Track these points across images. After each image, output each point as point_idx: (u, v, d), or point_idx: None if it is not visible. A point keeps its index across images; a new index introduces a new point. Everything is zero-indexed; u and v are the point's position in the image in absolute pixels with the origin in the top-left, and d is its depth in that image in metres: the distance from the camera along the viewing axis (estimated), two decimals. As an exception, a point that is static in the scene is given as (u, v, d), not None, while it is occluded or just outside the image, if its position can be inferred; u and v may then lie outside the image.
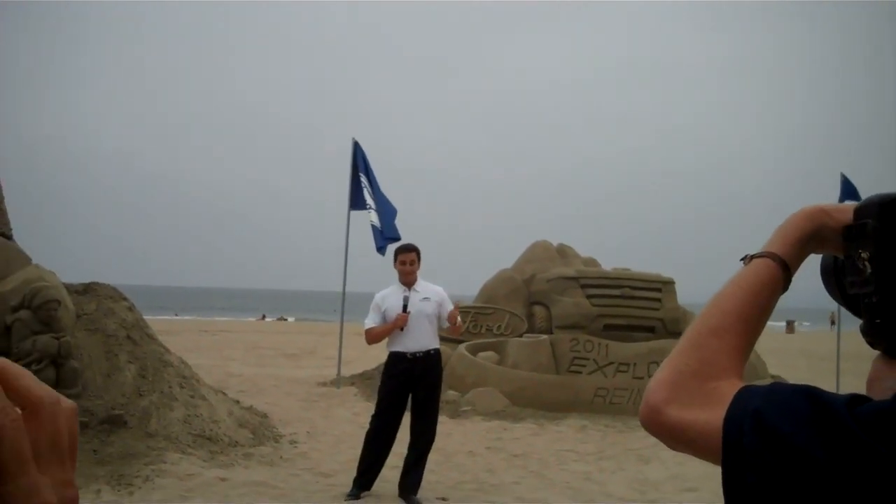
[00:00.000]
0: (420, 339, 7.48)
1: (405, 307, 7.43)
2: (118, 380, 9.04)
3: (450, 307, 7.71)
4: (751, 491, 0.91)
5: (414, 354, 7.45)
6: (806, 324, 60.84)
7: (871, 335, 1.09)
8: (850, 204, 1.13)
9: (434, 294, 7.66)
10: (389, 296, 7.66)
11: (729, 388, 1.01)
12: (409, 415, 7.68)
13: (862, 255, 1.07)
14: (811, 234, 1.16)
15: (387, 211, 15.20)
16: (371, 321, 7.59)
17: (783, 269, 1.15)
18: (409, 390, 7.54)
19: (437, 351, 7.64)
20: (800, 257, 1.17)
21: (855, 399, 0.93)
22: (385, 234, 14.79)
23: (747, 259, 1.17)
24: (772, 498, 0.90)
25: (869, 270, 1.06)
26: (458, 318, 7.69)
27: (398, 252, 7.82)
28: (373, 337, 7.63)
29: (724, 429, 0.96)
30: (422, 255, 7.74)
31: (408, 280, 7.65)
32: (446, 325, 7.66)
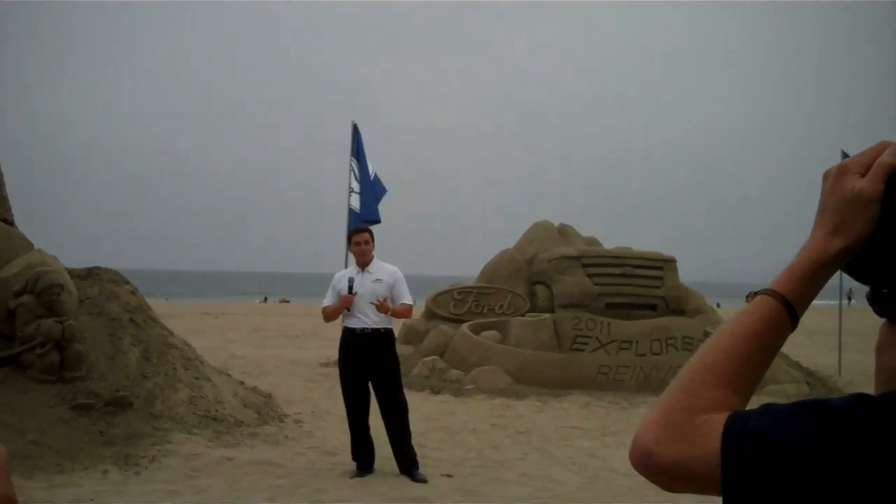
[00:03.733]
0: (367, 318, 7.67)
1: (350, 288, 7.64)
2: (122, 362, 9.07)
3: (403, 287, 7.86)
4: None
5: (363, 331, 7.67)
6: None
7: (879, 304, 1.07)
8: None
9: (387, 275, 7.84)
10: (344, 276, 7.91)
11: (720, 419, 0.98)
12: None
13: None
14: (823, 264, 1.07)
15: (373, 192, 15.10)
16: (327, 300, 7.93)
17: (786, 307, 1.06)
18: (364, 365, 7.70)
19: (387, 330, 7.84)
20: (810, 290, 1.08)
21: (861, 396, 0.92)
22: (362, 217, 14.72)
23: (750, 296, 1.10)
24: None
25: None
26: (387, 305, 7.67)
27: (351, 234, 8.17)
28: (326, 315, 7.96)
29: (723, 457, 0.93)
30: (379, 237, 7.94)
31: (362, 260, 7.85)
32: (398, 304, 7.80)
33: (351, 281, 7.67)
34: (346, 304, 7.64)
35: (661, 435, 1.01)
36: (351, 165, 15.34)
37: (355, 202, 14.92)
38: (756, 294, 1.09)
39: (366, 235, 7.95)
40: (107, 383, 8.63)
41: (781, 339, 1.07)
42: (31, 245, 9.61)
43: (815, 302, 1.13)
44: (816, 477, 0.87)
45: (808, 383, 13.78)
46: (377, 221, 14.69)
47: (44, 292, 8.59)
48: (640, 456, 1.02)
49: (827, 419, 0.90)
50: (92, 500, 6.49)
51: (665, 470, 1.01)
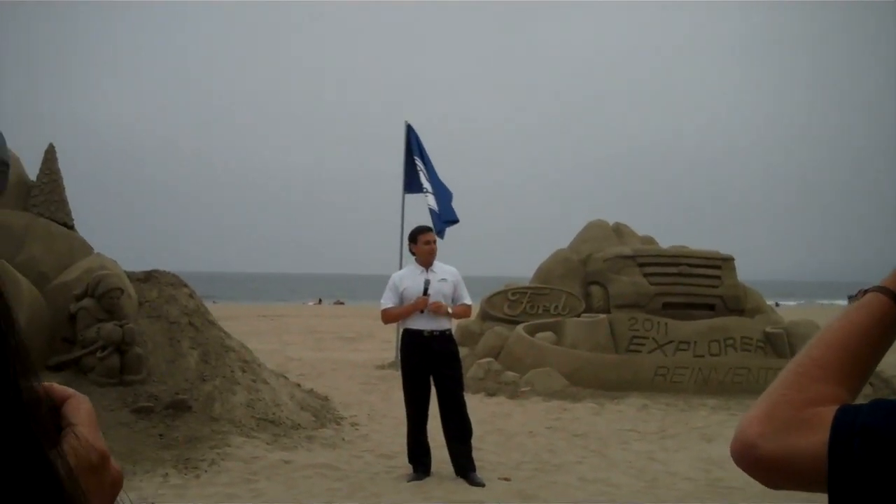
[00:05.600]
0: (437, 319, 7.59)
1: (426, 290, 7.52)
2: (181, 365, 9.17)
3: (463, 287, 7.81)
4: None
5: (431, 333, 7.57)
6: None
7: None
8: None
9: (450, 275, 7.78)
10: (407, 277, 7.77)
11: (828, 412, 0.96)
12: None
13: None
14: None
15: (443, 194, 15.14)
16: (388, 301, 7.73)
17: None
18: (430, 368, 7.61)
19: (450, 332, 7.77)
20: None
21: None
22: (443, 218, 14.73)
23: (860, 293, 1.11)
24: None
25: None
26: (446, 308, 7.65)
27: (418, 233, 7.90)
28: (390, 317, 7.79)
29: (830, 450, 0.92)
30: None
31: (429, 260, 7.75)
32: (459, 304, 7.75)
33: (427, 283, 7.56)
34: (421, 305, 7.49)
35: (766, 428, 1.00)
36: (417, 165, 15.36)
37: (432, 202, 14.93)
38: (866, 291, 1.09)
39: (433, 235, 7.92)
40: (166, 386, 8.73)
41: (892, 335, 1.07)
42: (91, 249, 9.76)
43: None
44: None
45: (870, 384, 13.47)
46: (456, 221, 14.72)
47: (104, 296, 8.71)
48: (743, 449, 1.02)
49: None
50: (153, 503, 6.56)
51: (769, 463, 1.00)
